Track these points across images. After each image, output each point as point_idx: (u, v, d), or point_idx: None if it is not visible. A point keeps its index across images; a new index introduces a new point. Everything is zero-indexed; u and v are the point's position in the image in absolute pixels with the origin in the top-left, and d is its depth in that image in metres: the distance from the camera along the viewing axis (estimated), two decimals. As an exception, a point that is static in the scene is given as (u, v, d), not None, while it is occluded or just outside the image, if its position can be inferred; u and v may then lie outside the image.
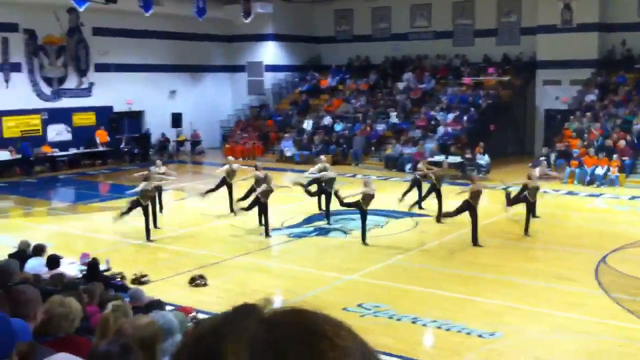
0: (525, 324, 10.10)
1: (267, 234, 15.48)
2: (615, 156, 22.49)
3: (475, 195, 14.66)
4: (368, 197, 14.78)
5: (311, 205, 18.21)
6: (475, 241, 14.55)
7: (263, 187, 15.52)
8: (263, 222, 15.74)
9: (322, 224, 16.78)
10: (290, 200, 18.73)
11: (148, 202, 15.42)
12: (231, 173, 17.88)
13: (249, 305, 0.91)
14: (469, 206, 14.64)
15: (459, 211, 14.97)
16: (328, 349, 0.82)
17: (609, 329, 9.86)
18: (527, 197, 15.51)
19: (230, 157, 20.06)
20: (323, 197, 17.32)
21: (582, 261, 13.33)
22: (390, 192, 19.66)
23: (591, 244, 14.59)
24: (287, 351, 0.81)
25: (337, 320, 0.89)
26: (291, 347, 0.82)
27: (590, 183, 22.27)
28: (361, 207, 14.80)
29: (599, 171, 22.37)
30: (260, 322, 0.86)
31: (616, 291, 11.44)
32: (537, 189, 15.68)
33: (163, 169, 17.95)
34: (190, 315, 8.59)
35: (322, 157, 19.56)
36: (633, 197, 20.25)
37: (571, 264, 13.20)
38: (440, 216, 16.50)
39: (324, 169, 17.46)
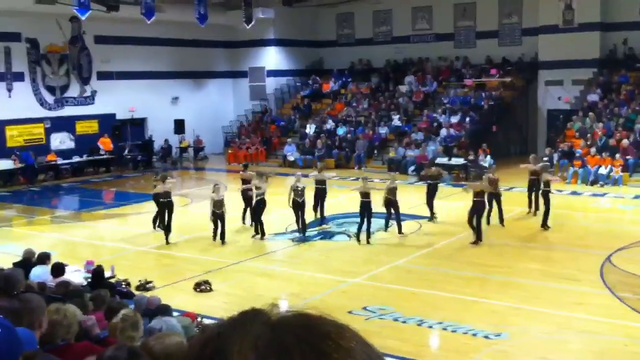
0: (531, 324, 10.09)
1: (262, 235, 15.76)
2: (618, 155, 22.46)
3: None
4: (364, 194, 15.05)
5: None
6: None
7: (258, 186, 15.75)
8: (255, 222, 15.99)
9: (326, 227, 16.79)
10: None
11: None
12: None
13: (255, 310, 0.93)
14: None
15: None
16: (332, 351, 0.84)
17: (614, 328, 9.85)
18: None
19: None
20: None
21: (587, 261, 13.31)
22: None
23: (596, 244, 14.57)
24: (292, 352, 0.82)
25: (341, 323, 0.90)
26: (296, 348, 0.83)
27: (593, 183, 22.23)
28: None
29: (602, 171, 22.33)
30: (265, 325, 0.87)
31: (622, 290, 11.42)
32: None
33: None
34: (196, 320, 8.60)
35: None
36: (637, 196, 20.19)
37: (576, 264, 13.17)
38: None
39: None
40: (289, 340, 0.84)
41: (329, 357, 0.83)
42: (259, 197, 15.69)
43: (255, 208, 15.80)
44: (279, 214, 17.37)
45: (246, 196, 16.75)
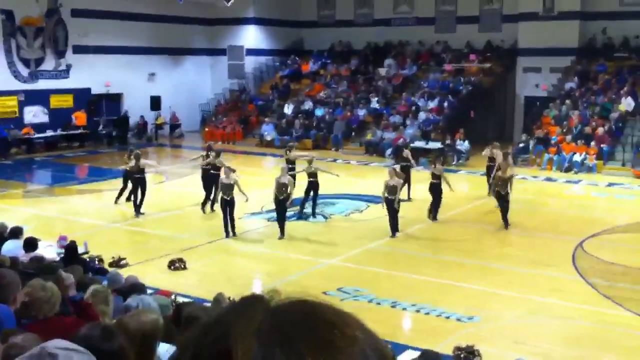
0: (503, 308, 10.19)
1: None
2: (593, 143, 22.67)
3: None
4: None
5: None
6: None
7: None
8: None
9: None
10: (269, 185, 18.63)
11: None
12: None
13: (255, 296, 0.91)
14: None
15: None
16: (336, 338, 0.82)
17: (586, 314, 9.98)
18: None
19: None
20: None
21: (559, 247, 13.45)
22: (370, 178, 19.70)
23: (569, 230, 14.73)
24: (295, 340, 0.81)
25: (345, 311, 0.89)
26: (299, 335, 0.81)
27: (568, 170, 22.45)
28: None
29: (577, 158, 22.54)
30: (267, 312, 0.85)
31: (593, 276, 11.57)
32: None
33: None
34: (170, 298, 8.55)
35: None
36: (610, 184, 20.46)
37: (549, 250, 13.31)
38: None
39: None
40: (292, 328, 0.82)
41: (334, 345, 0.81)
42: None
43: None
44: (255, 194, 17.27)
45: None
